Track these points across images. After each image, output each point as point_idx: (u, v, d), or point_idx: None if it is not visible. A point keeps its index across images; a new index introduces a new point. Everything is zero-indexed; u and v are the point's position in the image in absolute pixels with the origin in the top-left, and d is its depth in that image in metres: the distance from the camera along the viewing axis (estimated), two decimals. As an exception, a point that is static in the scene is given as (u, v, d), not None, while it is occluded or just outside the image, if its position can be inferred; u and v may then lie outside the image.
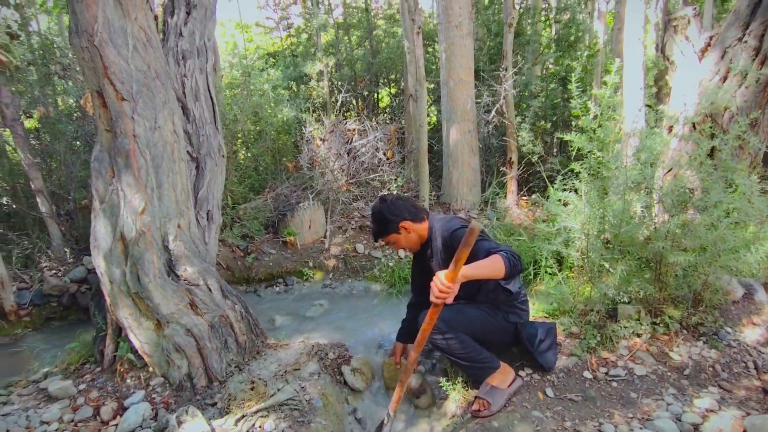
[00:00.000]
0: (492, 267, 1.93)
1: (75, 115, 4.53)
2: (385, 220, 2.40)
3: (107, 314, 2.79)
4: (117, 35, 2.45)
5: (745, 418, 2.10)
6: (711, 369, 2.50)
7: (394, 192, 6.01)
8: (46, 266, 4.21)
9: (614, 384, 2.46)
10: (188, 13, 3.59)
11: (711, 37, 3.75)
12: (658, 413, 2.21)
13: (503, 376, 2.37)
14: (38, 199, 4.37)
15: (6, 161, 4.97)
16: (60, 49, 4.62)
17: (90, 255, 4.28)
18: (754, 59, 3.35)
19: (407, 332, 2.72)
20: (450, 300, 1.74)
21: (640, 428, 2.13)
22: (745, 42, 3.41)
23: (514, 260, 1.99)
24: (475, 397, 2.35)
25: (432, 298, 1.75)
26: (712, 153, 3.26)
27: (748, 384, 2.39)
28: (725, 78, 3.49)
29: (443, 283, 1.70)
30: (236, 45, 9.28)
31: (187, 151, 3.17)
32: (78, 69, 4.44)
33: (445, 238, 2.33)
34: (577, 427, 2.17)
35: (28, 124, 5.03)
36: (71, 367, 2.87)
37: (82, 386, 2.64)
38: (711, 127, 3.44)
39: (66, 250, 4.46)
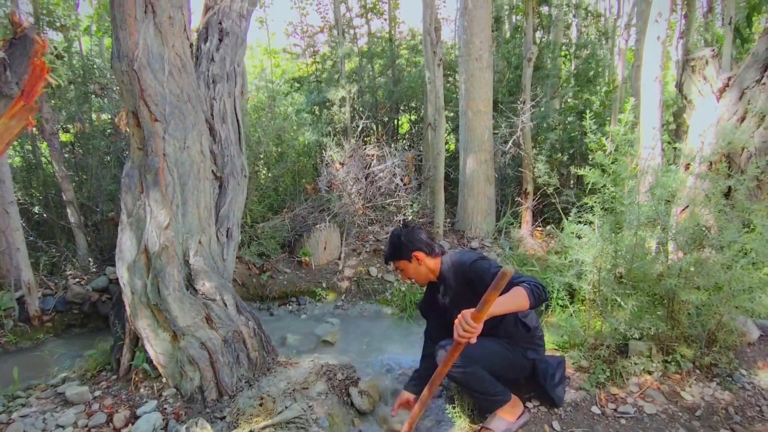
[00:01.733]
0: (516, 301, 1.92)
1: (108, 131, 4.77)
2: (400, 245, 2.40)
3: (126, 324, 2.89)
4: (155, 61, 2.62)
5: (757, 464, 2.05)
6: (724, 411, 2.45)
7: (410, 217, 6.08)
8: (70, 274, 4.37)
9: (623, 421, 2.42)
10: (220, 40, 3.80)
11: (729, 78, 3.79)
12: (667, 454, 2.18)
13: (513, 409, 2.36)
14: (68, 210, 4.57)
15: (41, 172, 5.24)
16: (99, 70, 4.91)
17: (113, 266, 4.44)
18: (772, 101, 3.38)
19: (421, 378, 2.53)
20: (474, 340, 1.74)
21: (648, 468, 2.10)
22: (764, 83, 3.44)
23: (538, 290, 1.98)
24: (481, 427, 2.35)
25: (456, 337, 1.75)
26: (728, 192, 3.27)
27: (762, 429, 2.34)
28: (743, 118, 3.51)
29: (469, 323, 1.70)
30: (263, 69, 9.63)
31: (212, 171, 3.31)
32: (115, 89, 4.69)
33: (463, 270, 2.30)
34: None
35: (64, 138, 5.30)
36: (88, 373, 2.96)
37: (97, 393, 2.72)
38: (728, 167, 3.45)
39: (90, 259, 4.63)
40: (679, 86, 4.29)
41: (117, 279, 4.31)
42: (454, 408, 2.51)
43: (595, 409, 2.49)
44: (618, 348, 2.82)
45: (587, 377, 2.68)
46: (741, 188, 2.83)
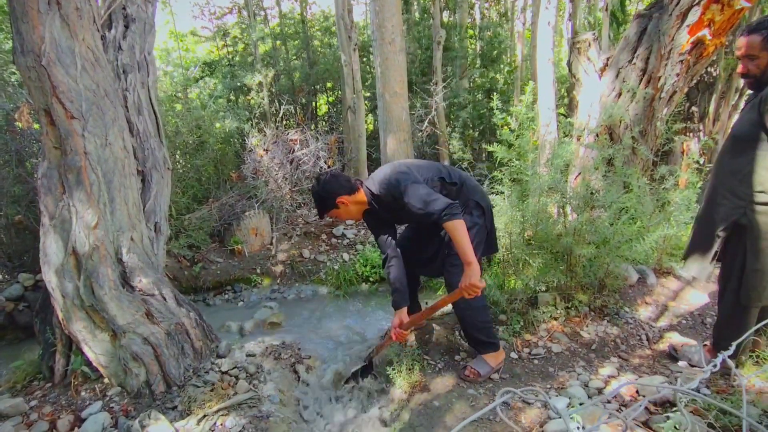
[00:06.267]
0: (461, 238, 2.23)
1: (4, 128, 4.33)
2: (322, 199, 2.49)
3: (56, 329, 2.80)
4: (65, 55, 2.51)
5: (637, 380, 2.55)
6: (613, 343, 2.96)
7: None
8: (-24, 286, 4.02)
9: (536, 362, 2.84)
10: (126, 27, 3.63)
11: (608, 59, 4.34)
12: (570, 382, 2.60)
13: (497, 357, 2.72)
14: (-36, 217, 4.15)
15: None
16: (-13, 61, 4.41)
17: (25, 272, 4.17)
18: (641, 79, 3.95)
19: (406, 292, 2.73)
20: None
21: (557, 396, 2.51)
22: (634, 64, 4.00)
23: (451, 212, 2.23)
24: (467, 366, 2.72)
25: (466, 296, 2.27)
26: (611, 159, 3.80)
27: (642, 353, 2.87)
28: (620, 95, 4.07)
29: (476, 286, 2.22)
30: (169, 53, 9.08)
31: (134, 166, 3.22)
32: (10, 82, 4.27)
33: (393, 193, 2.41)
34: (505, 401, 2.52)
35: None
36: (18, 385, 2.84)
37: (33, 402, 2.64)
38: (610, 137, 3.99)
39: (-4, 268, 4.27)
40: (569, 65, 4.82)
41: (32, 286, 4.08)
42: (393, 369, 2.78)
43: (514, 355, 2.89)
44: (529, 301, 3.24)
45: (505, 329, 3.08)
46: (619, 156, 3.34)
